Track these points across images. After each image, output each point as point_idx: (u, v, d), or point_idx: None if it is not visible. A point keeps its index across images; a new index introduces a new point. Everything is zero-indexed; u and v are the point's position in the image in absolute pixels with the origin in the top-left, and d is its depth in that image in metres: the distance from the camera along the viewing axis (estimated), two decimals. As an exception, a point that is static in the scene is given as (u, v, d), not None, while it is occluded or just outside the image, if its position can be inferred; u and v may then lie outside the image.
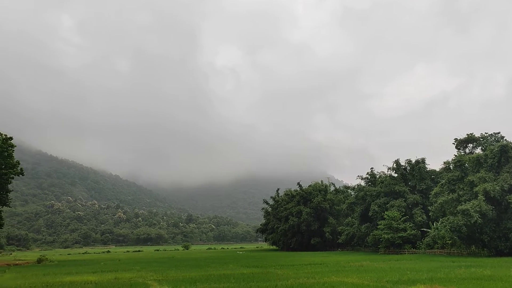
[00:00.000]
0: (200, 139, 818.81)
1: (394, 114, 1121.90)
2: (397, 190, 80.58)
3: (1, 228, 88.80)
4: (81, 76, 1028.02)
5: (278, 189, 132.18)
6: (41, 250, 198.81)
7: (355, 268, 38.94)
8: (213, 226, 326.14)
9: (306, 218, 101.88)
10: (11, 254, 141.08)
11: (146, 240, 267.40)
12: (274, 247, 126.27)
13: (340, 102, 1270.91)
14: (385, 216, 74.37)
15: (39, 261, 71.97)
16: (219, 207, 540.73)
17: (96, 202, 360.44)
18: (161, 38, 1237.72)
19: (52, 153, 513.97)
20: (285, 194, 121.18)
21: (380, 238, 74.27)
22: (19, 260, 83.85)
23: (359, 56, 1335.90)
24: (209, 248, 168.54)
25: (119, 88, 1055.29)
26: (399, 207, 76.67)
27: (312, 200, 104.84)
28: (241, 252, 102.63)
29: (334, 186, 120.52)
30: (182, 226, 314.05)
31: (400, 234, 71.76)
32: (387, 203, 79.43)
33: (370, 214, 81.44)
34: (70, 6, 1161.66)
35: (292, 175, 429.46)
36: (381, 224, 74.62)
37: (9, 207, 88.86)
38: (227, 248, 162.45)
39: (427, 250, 67.57)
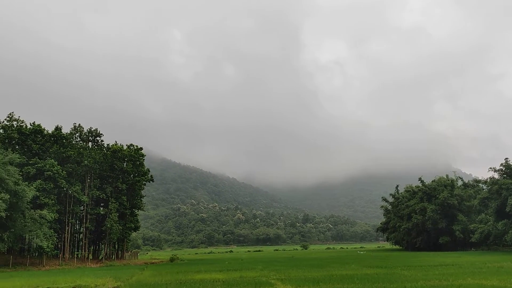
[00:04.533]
0: (310, 139, 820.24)
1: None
2: (540, 182, 70.96)
3: (138, 230, 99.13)
4: (193, 84, 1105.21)
5: (397, 186, 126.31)
6: (172, 249, 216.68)
7: (494, 270, 35.12)
8: (330, 225, 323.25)
9: (432, 215, 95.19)
10: (147, 253, 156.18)
11: (265, 240, 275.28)
12: (397, 246, 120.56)
13: (464, 86, 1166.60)
14: (527, 212, 65.93)
15: (172, 260, 78.35)
16: (335, 206, 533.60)
17: (216, 204, 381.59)
18: (264, 40, 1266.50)
19: (175, 160, 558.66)
20: (405, 190, 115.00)
21: (522, 237, 66.02)
22: (155, 259, 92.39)
23: (482, 33, 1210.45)
24: (328, 248, 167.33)
25: (229, 92, 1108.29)
26: (544, 201, 67.36)
27: (437, 196, 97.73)
28: (361, 252, 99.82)
29: (462, 180, 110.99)
30: (299, 226, 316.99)
31: (547, 232, 62.94)
32: (528, 197, 70.35)
33: (507, 209, 72.98)
34: (179, 20, 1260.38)
35: (412, 170, 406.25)
36: (522, 221, 66.35)
37: (143, 210, 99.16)
38: (347, 248, 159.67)
39: None
